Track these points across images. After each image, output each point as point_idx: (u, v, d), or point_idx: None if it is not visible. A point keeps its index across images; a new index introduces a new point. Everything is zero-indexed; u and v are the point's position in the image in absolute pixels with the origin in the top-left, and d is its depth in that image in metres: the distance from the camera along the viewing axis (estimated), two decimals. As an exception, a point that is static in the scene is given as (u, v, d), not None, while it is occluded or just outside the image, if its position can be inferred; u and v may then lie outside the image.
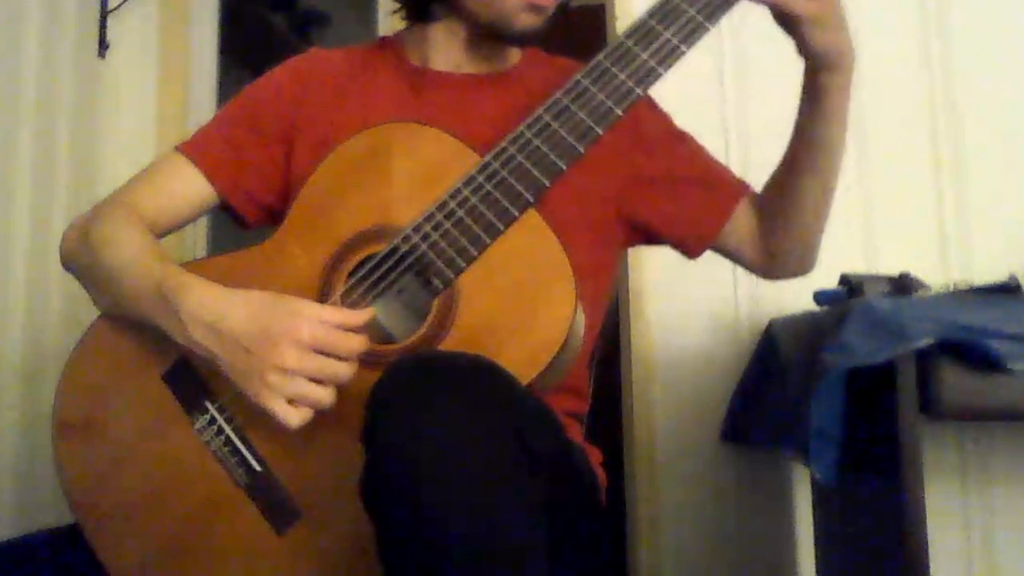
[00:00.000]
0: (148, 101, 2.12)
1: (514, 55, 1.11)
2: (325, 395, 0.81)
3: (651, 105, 1.12)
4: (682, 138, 1.12)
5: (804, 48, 0.92)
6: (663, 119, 1.13)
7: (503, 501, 0.69)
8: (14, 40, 1.81)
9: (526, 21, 1.00)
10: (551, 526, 0.74)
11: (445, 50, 1.07)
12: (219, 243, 2.14)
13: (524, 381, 0.81)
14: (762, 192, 1.09)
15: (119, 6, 2.10)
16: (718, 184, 1.10)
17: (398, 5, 1.09)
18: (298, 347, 0.80)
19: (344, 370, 0.81)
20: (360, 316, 0.84)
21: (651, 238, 1.12)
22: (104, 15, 2.09)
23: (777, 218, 1.06)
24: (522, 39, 1.03)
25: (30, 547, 0.95)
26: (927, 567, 1.11)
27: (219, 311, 0.84)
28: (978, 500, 1.66)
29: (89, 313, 0.99)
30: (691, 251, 1.11)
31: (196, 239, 2.15)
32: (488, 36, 1.04)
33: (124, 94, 2.11)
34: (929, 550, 1.12)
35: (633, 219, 1.09)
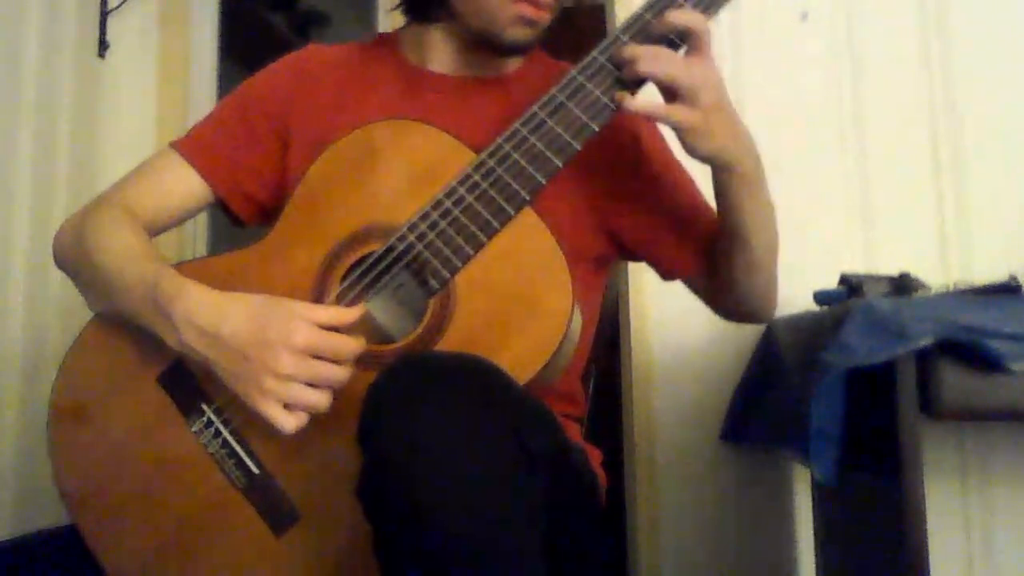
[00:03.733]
0: (148, 101, 2.12)
1: (514, 60, 1.10)
2: (321, 399, 0.80)
3: (655, 130, 1.11)
4: (677, 170, 1.12)
5: (688, 153, 0.91)
6: (664, 147, 1.12)
7: (501, 501, 0.69)
8: (14, 40, 1.81)
9: (517, 34, 0.99)
10: (550, 526, 0.74)
11: (442, 53, 1.07)
12: (218, 242, 2.14)
13: (523, 379, 0.81)
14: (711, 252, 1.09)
15: (119, 6, 2.10)
16: (700, 226, 1.09)
17: (398, 4, 1.08)
18: (293, 352, 0.79)
19: (340, 374, 0.81)
20: (352, 313, 0.84)
21: (627, 256, 1.13)
22: (104, 15, 2.09)
23: (720, 280, 1.07)
24: (512, 50, 1.02)
25: (30, 547, 0.95)
26: (927, 567, 1.11)
27: (214, 316, 0.84)
28: (978, 500, 1.66)
29: (88, 313, 0.99)
30: (664, 277, 1.13)
31: (196, 238, 2.15)
32: (481, 44, 1.04)
33: (124, 94, 2.11)
34: (929, 550, 1.12)
35: (613, 234, 1.09)
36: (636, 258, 1.13)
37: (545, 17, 0.99)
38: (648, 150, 1.09)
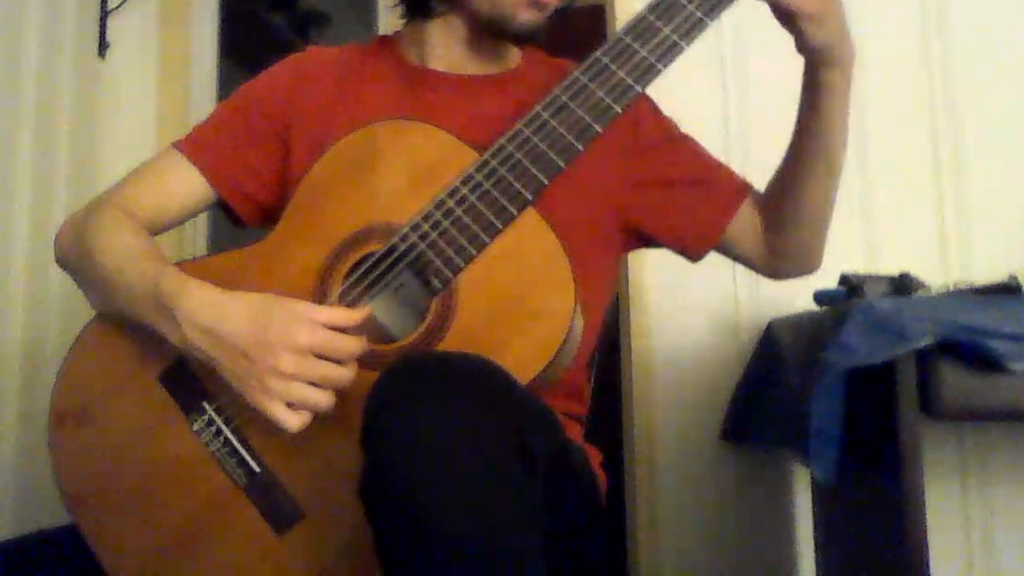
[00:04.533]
0: (148, 101, 2.12)
1: (513, 57, 1.10)
2: (324, 399, 0.80)
3: (652, 108, 1.12)
4: (683, 141, 1.12)
5: (803, 44, 0.92)
6: (664, 122, 1.12)
7: (502, 501, 0.69)
8: (14, 40, 1.81)
9: (526, 17, 0.99)
10: (550, 526, 0.74)
11: (443, 49, 1.07)
12: (219, 242, 2.14)
13: (525, 380, 0.81)
14: (765, 191, 1.08)
15: (119, 6, 2.10)
16: (720, 185, 1.09)
17: (397, 2, 1.08)
18: (296, 352, 0.79)
19: (343, 374, 0.81)
20: (356, 315, 0.84)
21: (652, 243, 1.12)
22: (104, 15, 2.09)
23: (780, 217, 1.05)
24: (522, 36, 1.02)
25: (30, 547, 0.95)
26: (927, 567, 1.11)
27: (217, 315, 0.83)
28: (978, 500, 1.66)
29: (89, 314, 0.99)
30: (694, 253, 1.11)
31: (196, 238, 2.15)
32: (487, 34, 1.04)
33: (124, 94, 2.11)
34: (929, 550, 1.12)
35: (635, 225, 1.08)
36: (662, 243, 1.11)
37: (551, 1, 1.00)
38: (652, 133, 1.09)
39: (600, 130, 0.89)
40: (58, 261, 1.04)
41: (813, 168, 1.01)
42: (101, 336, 0.96)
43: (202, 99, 2.18)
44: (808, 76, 0.96)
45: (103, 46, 2.09)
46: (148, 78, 2.13)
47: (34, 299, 1.79)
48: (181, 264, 0.94)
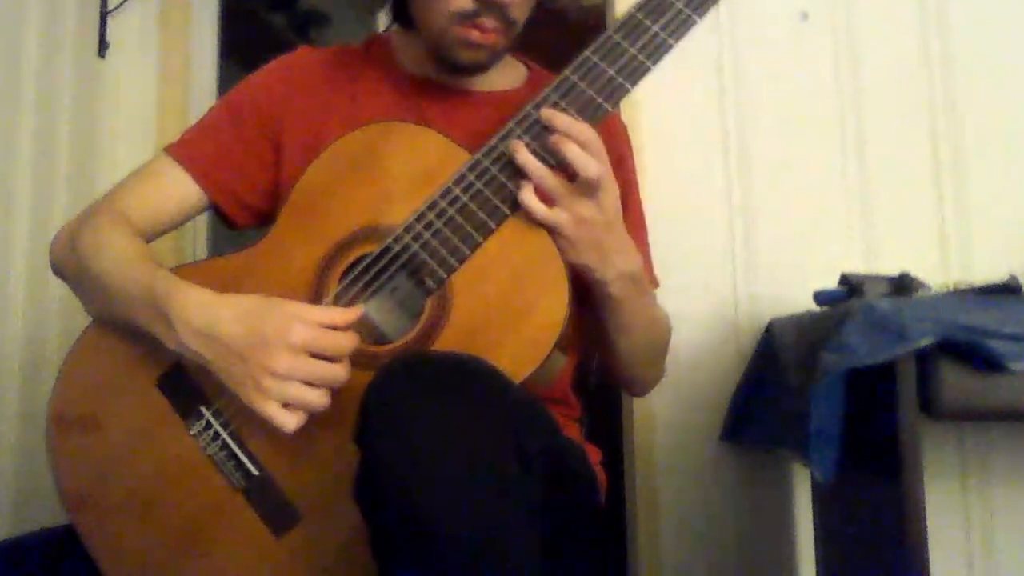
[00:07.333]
0: (148, 101, 2.11)
1: (518, 75, 1.10)
2: (319, 397, 0.80)
3: (633, 159, 1.12)
4: (637, 207, 1.12)
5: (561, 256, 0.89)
6: (635, 180, 1.13)
7: (498, 501, 0.69)
8: (14, 40, 1.80)
9: (467, 56, 1.00)
10: (548, 525, 0.74)
11: (425, 59, 1.07)
12: (219, 244, 2.14)
13: (520, 378, 0.81)
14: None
15: (119, 6, 2.10)
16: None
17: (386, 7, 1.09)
18: (290, 351, 0.79)
19: (338, 372, 0.81)
20: (349, 314, 0.84)
21: None
22: (104, 15, 2.08)
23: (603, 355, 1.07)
24: (465, 69, 1.02)
25: (30, 547, 0.95)
26: (927, 567, 1.11)
27: (210, 316, 0.84)
28: (978, 500, 1.66)
29: (88, 315, 0.99)
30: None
31: (196, 240, 2.14)
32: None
33: (124, 94, 2.11)
34: (929, 550, 1.12)
35: None
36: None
37: (493, 40, 0.99)
38: (625, 176, 1.08)
39: None
40: (54, 269, 1.05)
41: (615, 349, 1.01)
42: (100, 340, 0.96)
43: (202, 99, 2.18)
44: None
45: (103, 46, 2.09)
46: (148, 78, 2.12)
47: (34, 299, 1.79)
48: (179, 268, 0.94)
